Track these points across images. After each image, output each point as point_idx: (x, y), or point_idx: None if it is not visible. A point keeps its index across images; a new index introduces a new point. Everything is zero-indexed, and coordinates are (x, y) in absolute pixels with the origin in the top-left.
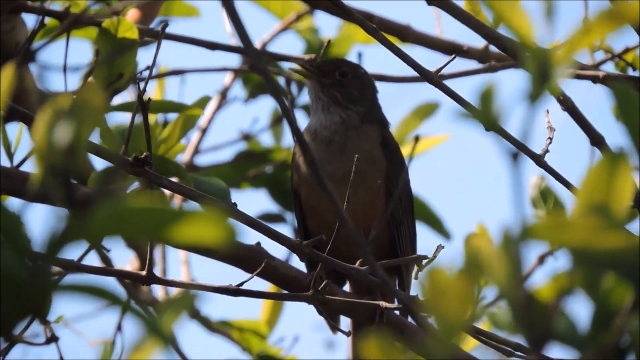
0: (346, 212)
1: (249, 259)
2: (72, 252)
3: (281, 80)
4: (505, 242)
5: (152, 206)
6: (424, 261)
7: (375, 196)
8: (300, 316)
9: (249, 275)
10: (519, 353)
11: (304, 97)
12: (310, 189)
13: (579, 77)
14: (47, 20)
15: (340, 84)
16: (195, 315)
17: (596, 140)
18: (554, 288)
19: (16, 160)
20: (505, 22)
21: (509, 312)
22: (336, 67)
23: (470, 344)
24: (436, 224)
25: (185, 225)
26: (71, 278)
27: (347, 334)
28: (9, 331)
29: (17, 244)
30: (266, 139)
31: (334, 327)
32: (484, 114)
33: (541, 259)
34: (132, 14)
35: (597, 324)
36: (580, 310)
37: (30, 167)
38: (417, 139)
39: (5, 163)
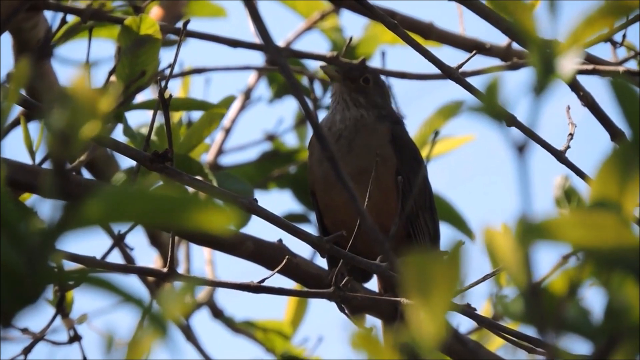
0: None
1: (271, 257)
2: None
3: (304, 81)
4: (517, 234)
5: (152, 191)
6: (445, 257)
7: (388, 194)
8: (324, 316)
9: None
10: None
11: (327, 99)
12: (324, 187)
13: (599, 73)
14: (70, 18)
15: (364, 90)
16: (219, 315)
17: (616, 135)
18: (566, 279)
19: (38, 159)
20: (509, 15)
21: (521, 303)
22: (361, 73)
23: (495, 344)
24: (460, 224)
25: (184, 210)
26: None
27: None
28: (8, 318)
29: (13, 232)
30: (290, 140)
31: (356, 323)
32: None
33: (565, 259)
34: (157, 13)
35: (610, 314)
36: (593, 301)
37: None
38: (436, 133)
39: (27, 161)
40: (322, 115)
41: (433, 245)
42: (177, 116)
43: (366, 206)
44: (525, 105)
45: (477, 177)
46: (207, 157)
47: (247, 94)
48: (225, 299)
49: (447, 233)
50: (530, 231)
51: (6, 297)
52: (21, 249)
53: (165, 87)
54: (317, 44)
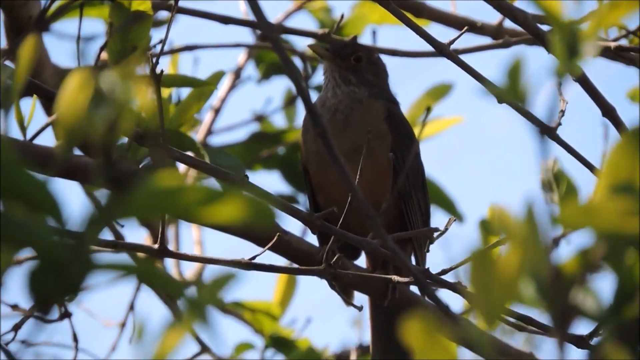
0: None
1: (262, 234)
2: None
3: (296, 60)
4: (530, 218)
5: (195, 185)
6: (435, 234)
7: (382, 171)
8: (314, 297)
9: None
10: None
11: (317, 79)
12: (317, 165)
13: None
14: None
15: (355, 69)
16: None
17: (607, 111)
18: (577, 264)
19: (29, 134)
20: None
21: (534, 288)
22: (352, 51)
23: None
24: (449, 206)
25: (227, 206)
26: (106, 256)
27: (359, 308)
28: (48, 307)
29: (55, 220)
30: (279, 120)
31: (347, 301)
32: (511, 89)
33: (555, 242)
34: None
35: (620, 299)
36: (603, 285)
37: (46, 141)
38: (428, 110)
39: (18, 137)
40: (313, 96)
41: (424, 225)
42: (166, 93)
43: (359, 183)
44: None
45: (465, 158)
46: (197, 137)
47: (237, 73)
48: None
49: (436, 215)
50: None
51: (47, 285)
52: (65, 236)
53: (157, 62)
54: (305, 24)
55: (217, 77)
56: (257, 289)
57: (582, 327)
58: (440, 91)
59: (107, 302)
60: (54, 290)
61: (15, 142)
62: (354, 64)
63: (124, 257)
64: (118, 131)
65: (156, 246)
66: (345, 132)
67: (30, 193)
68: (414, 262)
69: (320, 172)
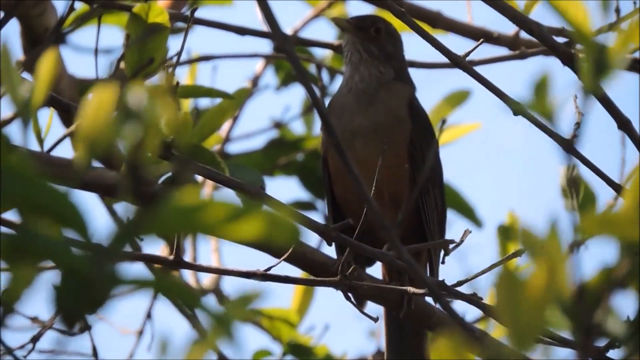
0: (371, 179)
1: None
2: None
3: (312, 68)
4: (553, 236)
5: (220, 201)
6: (451, 245)
7: (401, 158)
8: (331, 305)
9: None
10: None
11: (335, 86)
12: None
13: None
14: (79, 6)
15: (376, 40)
16: (226, 303)
17: (623, 123)
18: (602, 281)
19: (46, 146)
20: (561, 13)
21: (558, 306)
22: (372, 23)
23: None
24: (468, 212)
25: (251, 223)
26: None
27: (375, 319)
28: (73, 323)
29: (81, 236)
30: (298, 127)
31: (362, 312)
32: (539, 103)
33: (571, 248)
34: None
35: None
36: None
37: (64, 153)
38: (444, 122)
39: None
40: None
41: (439, 225)
42: (186, 105)
43: (380, 173)
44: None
45: (484, 165)
46: (215, 146)
47: (255, 81)
48: (232, 286)
49: (455, 221)
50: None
51: (71, 300)
52: (90, 251)
53: (173, 74)
54: (324, 32)
55: (242, 94)
56: (275, 296)
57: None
58: (459, 98)
59: (124, 310)
60: (80, 306)
61: (34, 154)
62: (374, 35)
63: (140, 269)
64: (145, 147)
65: (171, 257)
66: (367, 111)
67: (52, 206)
68: (430, 271)
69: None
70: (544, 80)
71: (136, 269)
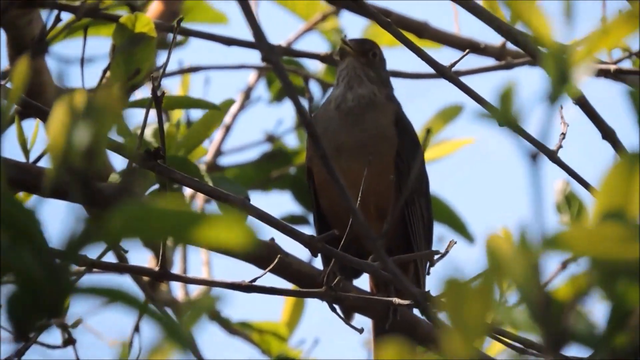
0: (356, 192)
1: (265, 256)
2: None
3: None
4: (523, 242)
5: (172, 208)
6: (436, 256)
7: (387, 171)
8: (321, 318)
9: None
10: (533, 351)
11: (323, 98)
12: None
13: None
14: (67, 16)
15: (373, 64)
16: (216, 316)
17: (607, 134)
18: (571, 288)
19: (32, 157)
20: (524, 21)
21: (527, 312)
22: (370, 47)
23: (494, 348)
24: (460, 227)
25: (205, 228)
26: (88, 278)
27: (360, 331)
28: (26, 331)
29: (34, 242)
30: (291, 141)
31: (347, 323)
32: (504, 113)
33: (564, 265)
34: (156, 8)
35: (613, 324)
36: (596, 310)
37: (46, 163)
38: (428, 131)
39: (22, 160)
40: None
41: (425, 234)
42: (176, 117)
43: (366, 186)
44: (527, 107)
45: (476, 179)
46: (206, 158)
47: (247, 93)
48: (222, 299)
49: (446, 235)
50: (542, 243)
51: (24, 309)
52: (42, 260)
53: (159, 84)
54: (317, 45)
55: (227, 104)
56: (264, 309)
57: (575, 350)
58: (451, 113)
59: (112, 321)
60: (30, 312)
61: (13, 163)
62: (371, 59)
63: (125, 280)
64: (95, 154)
65: (157, 269)
66: (353, 130)
67: (11, 215)
68: (417, 282)
69: (324, 171)
70: (509, 91)
71: (122, 281)
